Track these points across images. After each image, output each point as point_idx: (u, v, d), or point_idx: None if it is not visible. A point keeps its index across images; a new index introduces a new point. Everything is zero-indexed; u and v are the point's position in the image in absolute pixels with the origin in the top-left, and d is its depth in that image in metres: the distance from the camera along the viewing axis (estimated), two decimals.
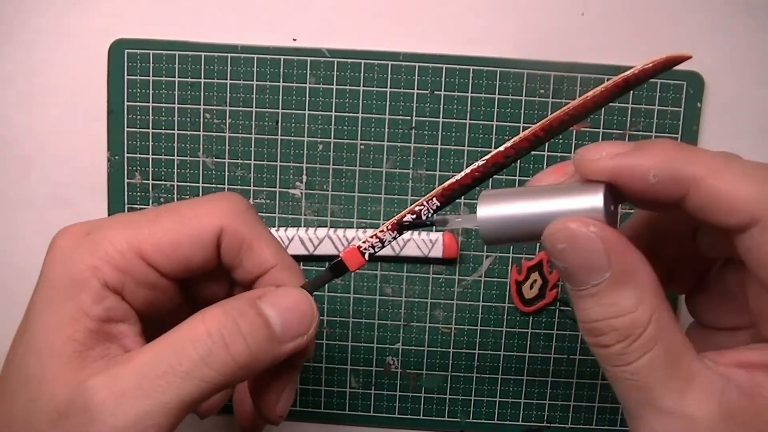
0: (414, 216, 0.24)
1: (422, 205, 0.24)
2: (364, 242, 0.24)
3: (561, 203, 0.20)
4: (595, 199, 0.20)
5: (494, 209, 0.21)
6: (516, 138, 0.23)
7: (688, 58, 0.21)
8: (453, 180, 0.23)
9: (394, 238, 0.24)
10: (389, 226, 0.24)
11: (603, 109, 0.36)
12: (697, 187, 0.19)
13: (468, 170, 0.23)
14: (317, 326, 0.24)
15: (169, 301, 0.25)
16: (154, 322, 0.25)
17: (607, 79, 0.36)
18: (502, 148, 0.23)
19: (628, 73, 0.21)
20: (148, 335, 0.24)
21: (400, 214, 0.24)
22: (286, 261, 0.25)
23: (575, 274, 0.20)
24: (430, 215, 0.24)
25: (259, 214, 0.37)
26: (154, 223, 0.23)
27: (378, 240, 0.24)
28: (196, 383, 0.21)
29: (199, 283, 0.26)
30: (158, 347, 0.21)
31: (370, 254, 0.25)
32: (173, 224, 0.23)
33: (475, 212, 0.21)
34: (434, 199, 0.24)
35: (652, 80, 0.36)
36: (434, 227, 0.23)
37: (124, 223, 0.23)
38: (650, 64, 0.21)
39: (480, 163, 0.23)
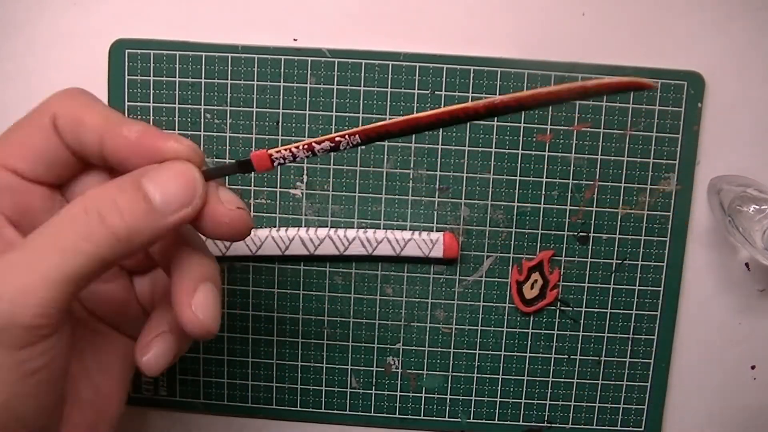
0: (332, 145, 0.25)
1: (343, 137, 0.25)
2: (276, 151, 0.25)
3: None
4: None
5: None
6: (453, 107, 0.23)
7: (652, 87, 0.23)
8: (381, 124, 0.24)
9: (307, 157, 0.25)
10: (305, 146, 0.25)
11: (603, 109, 0.36)
12: None
13: (399, 120, 0.24)
14: (203, 197, 0.24)
15: (45, 213, 0.25)
16: None
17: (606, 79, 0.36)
18: (434, 112, 0.24)
19: (587, 83, 0.22)
20: None
21: (318, 138, 0.25)
22: (118, 122, 0.25)
23: None
24: (349, 147, 0.25)
25: (260, 214, 0.37)
26: (2, 135, 0.25)
27: (290, 154, 0.25)
28: (75, 256, 0.21)
29: None
30: (42, 229, 0.22)
31: (279, 164, 0.25)
32: (15, 129, 0.25)
33: None
34: (357, 135, 0.25)
35: (652, 80, 0.36)
36: None
37: None
38: (612, 82, 0.22)
39: (409, 117, 0.24)
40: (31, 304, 0.21)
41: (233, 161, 0.25)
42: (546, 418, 0.39)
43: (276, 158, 0.25)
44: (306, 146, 0.25)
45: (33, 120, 0.25)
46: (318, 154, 0.25)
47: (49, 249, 0.21)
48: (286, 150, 0.25)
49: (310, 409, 0.39)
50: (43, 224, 0.22)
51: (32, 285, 0.21)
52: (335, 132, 0.37)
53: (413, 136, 0.37)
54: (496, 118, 0.37)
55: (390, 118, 0.27)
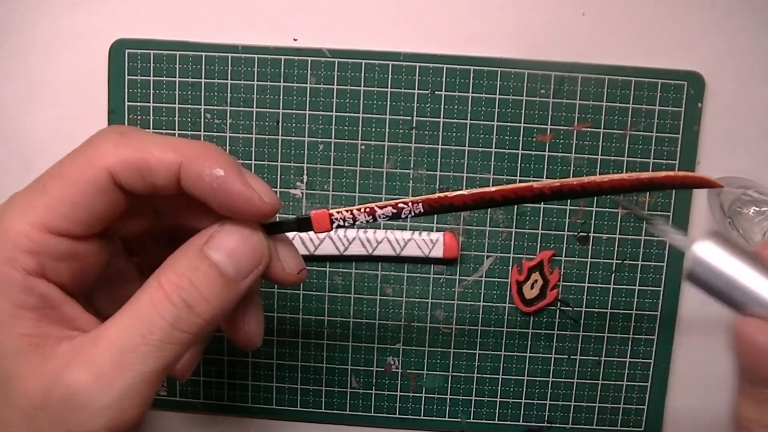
0: (394, 211, 0.24)
1: (406, 204, 0.24)
2: (338, 212, 0.25)
3: None
4: None
5: (717, 255, 0.19)
6: (521, 185, 0.23)
7: (720, 186, 0.22)
8: (444, 195, 0.24)
9: (367, 222, 0.25)
10: (367, 210, 0.24)
11: (603, 109, 0.36)
12: None
13: (462, 193, 0.24)
14: (269, 254, 0.24)
15: (99, 265, 0.24)
16: (105, 294, 0.26)
17: (608, 81, 0.36)
18: (502, 188, 0.23)
19: (656, 175, 0.21)
20: (106, 308, 0.24)
21: (380, 203, 0.24)
22: (188, 151, 0.23)
23: (751, 376, 0.19)
24: (410, 216, 0.24)
25: None
26: (45, 193, 0.22)
27: (351, 216, 0.25)
28: (171, 347, 0.22)
29: (137, 244, 0.27)
30: (124, 321, 0.22)
31: (338, 225, 0.25)
32: (63, 188, 0.22)
33: (692, 239, 0.20)
34: (420, 204, 0.24)
35: (652, 80, 0.36)
36: (645, 223, 0.22)
37: (17, 205, 0.22)
38: (681, 175, 0.21)
39: (476, 191, 0.23)
40: (135, 404, 0.21)
41: (293, 218, 0.25)
42: (546, 418, 0.39)
43: (336, 219, 0.25)
44: (368, 210, 0.24)
45: (80, 177, 0.22)
46: (379, 219, 0.24)
47: (141, 345, 0.21)
48: (347, 212, 0.24)
49: (310, 409, 0.39)
50: (123, 311, 0.22)
51: (134, 386, 0.21)
52: (334, 132, 0.37)
53: (413, 135, 0.37)
54: (496, 118, 0.37)
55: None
